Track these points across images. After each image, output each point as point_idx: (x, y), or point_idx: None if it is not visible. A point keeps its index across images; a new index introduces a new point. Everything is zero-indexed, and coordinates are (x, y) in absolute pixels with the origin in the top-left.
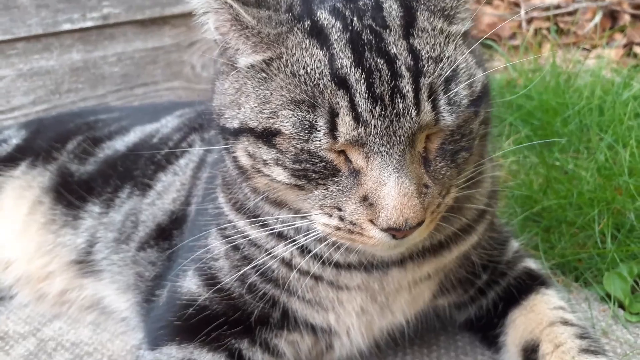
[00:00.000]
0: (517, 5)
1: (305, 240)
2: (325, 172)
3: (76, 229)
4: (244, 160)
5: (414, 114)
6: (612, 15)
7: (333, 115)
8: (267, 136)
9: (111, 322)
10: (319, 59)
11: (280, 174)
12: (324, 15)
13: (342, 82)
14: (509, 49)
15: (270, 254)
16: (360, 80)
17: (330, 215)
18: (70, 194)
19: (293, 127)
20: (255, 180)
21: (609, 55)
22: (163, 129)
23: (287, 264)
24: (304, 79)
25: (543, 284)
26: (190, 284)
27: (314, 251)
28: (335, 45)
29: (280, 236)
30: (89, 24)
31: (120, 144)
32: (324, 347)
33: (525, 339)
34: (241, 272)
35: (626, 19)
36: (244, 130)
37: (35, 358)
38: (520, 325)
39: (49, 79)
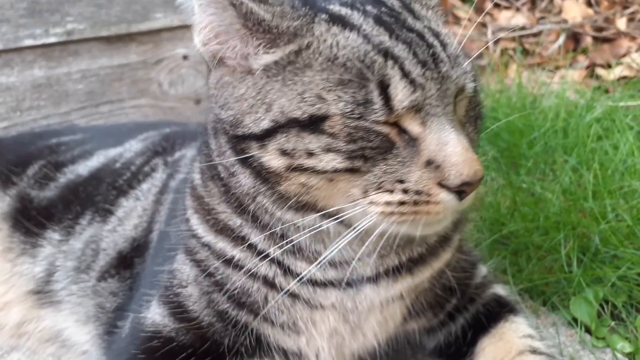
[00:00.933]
0: (485, 25)
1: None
2: (382, 147)
3: (34, 257)
4: (276, 162)
5: (454, 76)
6: (574, 37)
7: (384, 87)
8: (314, 123)
9: (71, 354)
10: (355, 39)
11: (332, 160)
12: (337, 8)
13: (386, 54)
14: (476, 69)
15: (252, 273)
16: (405, 50)
17: (392, 191)
18: (28, 221)
19: (346, 105)
20: (288, 183)
21: (572, 77)
22: (126, 153)
23: (269, 283)
24: (345, 59)
25: (512, 312)
26: (154, 314)
27: (293, 268)
28: (365, 27)
29: (261, 253)
30: (52, 39)
31: (82, 168)
32: None
33: None
34: (212, 298)
35: (588, 41)
36: (281, 126)
37: None
38: (490, 354)
39: (10, 96)
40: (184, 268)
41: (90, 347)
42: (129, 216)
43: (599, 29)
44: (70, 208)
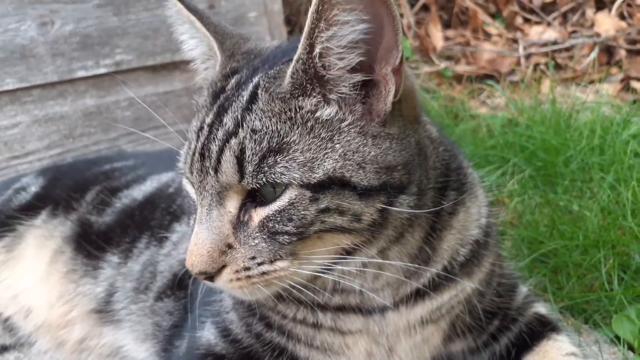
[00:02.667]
0: (515, 41)
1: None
2: None
3: (96, 278)
4: None
5: (212, 172)
6: (608, 51)
7: (188, 148)
8: None
9: None
10: (206, 108)
11: None
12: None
13: (199, 132)
14: (509, 85)
15: (270, 308)
16: (203, 136)
17: None
18: (89, 245)
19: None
20: None
21: (607, 91)
22: (178, 178)
23: (283, 315)
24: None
25: (554, 330)
26: (208, 334)
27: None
28: (214, 105)
29: None
30: (102, 70)
31: (137, 193)
32: None
33: None
34: (248, 322)
35: (622, 54)
36: None
37: None
38: None
39: (63, 124)
40: (224, 295)
41: None
42: (183, 240)
43: (633, 42)
44: (127, 232)
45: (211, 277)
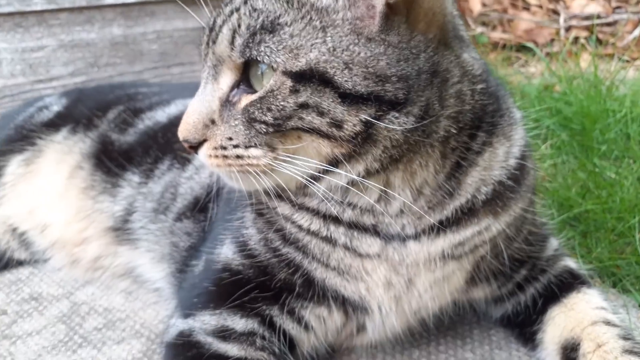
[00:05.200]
0: (556, 12)
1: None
2: None
3: (114, 196)
4: None
5: (211, 44)
6: None
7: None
8: None
9: (143, 291)
10: None
11: None
12: None
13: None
14: (547, 55)
15: (285, 217)
16: (216, 14)
17: None
18: (110, 161)
19: None
20: None
21: None
22: None
23: (298, 226)
24: None
25: (584, 284)
26: (227, 250)
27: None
28: None
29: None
30: None
31: (161, 115)
32: (354, 329)
33: (565, 337)
34: (266, 237)
35: None
36: None
37: (69, 320)
38: (560, 323)
39: (89, 52)
40: (246, 212)
41: (162, 285)
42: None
43: None
44: (149, 153)
45: (195, 148)
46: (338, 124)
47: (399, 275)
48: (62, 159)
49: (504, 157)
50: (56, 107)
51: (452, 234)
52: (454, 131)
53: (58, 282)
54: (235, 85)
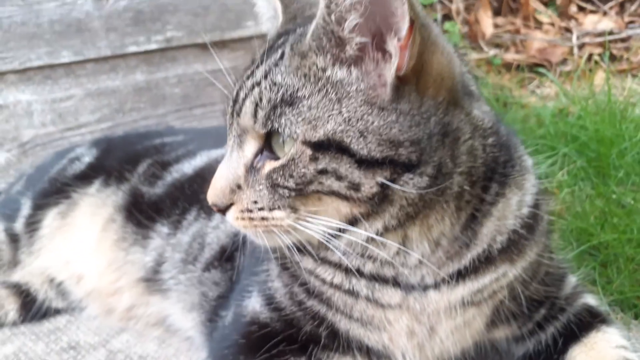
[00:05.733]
0: (568, 30)
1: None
2: None
3: (145, 247)
4: None
5: (236, 115)
6: None
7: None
8: None
9: (176, 339)
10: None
11: None
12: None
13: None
14: (560, 75)
15: (309, 271)
16: (238, 85)
17: None
18: (140, 214)
19: None
20: None
21: None
22: None
23: (321, 279)
24: None
25: (604, 322)
26: (254, 302)
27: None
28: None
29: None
30: (153, 46)
31: (187, 167)
32: None
33: None
34: (292, 290)
35: None
36: None
37: None
38: None
39: (114, 98)
40: (272, 265)
41: (193, 333)
42: None
43: None
44: (177, 204)
45: (223, 211)
46: (356, 187)
47: (421, 324)
48: (95, 211)
49: (517, 206)
50: (87, 159)
51: (471, 282)
52: (467, 186)
53: (94, 330)
54: (259, 152)
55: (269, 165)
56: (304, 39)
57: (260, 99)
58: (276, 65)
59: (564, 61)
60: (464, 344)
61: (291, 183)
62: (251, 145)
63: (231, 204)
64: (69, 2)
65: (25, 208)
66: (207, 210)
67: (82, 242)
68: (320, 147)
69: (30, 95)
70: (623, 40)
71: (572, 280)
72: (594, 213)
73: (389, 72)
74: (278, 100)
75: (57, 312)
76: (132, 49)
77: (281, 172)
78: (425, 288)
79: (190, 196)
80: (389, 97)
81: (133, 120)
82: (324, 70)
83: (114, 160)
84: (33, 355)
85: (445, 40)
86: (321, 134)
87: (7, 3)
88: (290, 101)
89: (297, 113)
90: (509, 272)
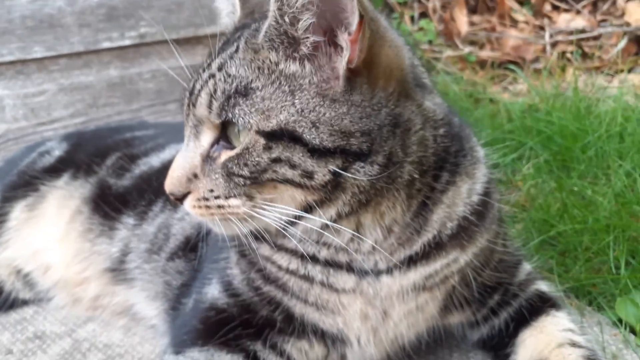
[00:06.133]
0: (542, 28)
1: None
2: None
3: (111, 238)
4: None
5: (192, 106)
6: (637, 41)
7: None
8: None
9: (141, 327)
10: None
11: None
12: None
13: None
14: (532, 73)
15: (266, 257)
16: (195, 77)
17: None
18: (107, 206)
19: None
20: None
21: (632, 81)
22: None
23: (278, 266)
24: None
25: (554, 306)
26: (213, 289)
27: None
28: (214, 53)
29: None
30: (126, 42)
31: (155, 160)
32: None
33: (535, 359)
34: (249, 276)
35: None
36: None
37: (71, 357)
38: (530, 345)
39: (88, 94)
40: (231, 252)
41: (157, 321)
42: None
43: None
44: (143, 196)
45: (180, 199)
46: (309, 175)
47: (375, 308)
48: (63, 204)
49: (467, 194)
50: (57, 152)
51: (422, 267)
52: (417, 175)
53: (61, 320)
54: (215, 142)
55: (225, 154)
56: (258, 34)
57: (215, 90)
58: (231, 57)
59: (537, 59)
60: (418, 328)
61: (246, 171)
62: (207, 136)
63: (188, 193)
64: None
65: None
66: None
67: (50, 234)
68: (274, 136)
69: (2, 90)
70: (595, 38)
71: (526, 267)
72: (555, 205)
73: (341, 64)
74: (232, 91)
75: (25, 303)
76: (106, 44)
77: (236, 161)
78: (378, 273)
79: (156, 188)
80: (341, 89)
81: (107, 115)
82: (277, 64)
83: (83, 154)
84: None
85: (395, 33)
86: (274, 123)
87: None
88: (244, 92)
89: (250, 104)
90: (459, 258)
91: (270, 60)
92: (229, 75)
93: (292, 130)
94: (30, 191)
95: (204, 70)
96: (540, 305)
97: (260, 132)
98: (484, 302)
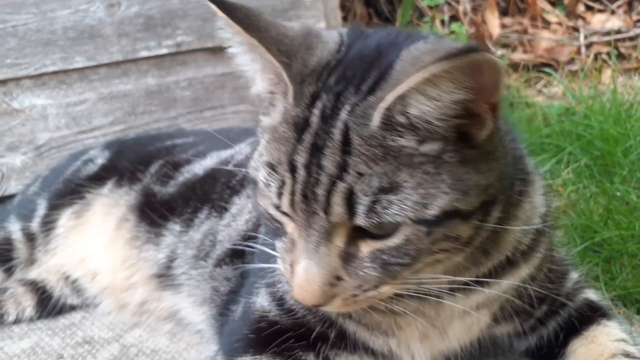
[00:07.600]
0: (576, 29)
1: None
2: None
3: (158, 245)
4: None
5: (322, 214)
6: None
7: (282, 184)
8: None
9: (187, 333)
10: (291, 142)
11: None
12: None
13: (292, 169)
14: (567, 75)
15: None
16: (302, 177)
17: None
18: (153, 213)
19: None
20: None
21: None
22: (237, 155)
23: None
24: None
25: (604, 316)
26: (262, 300)
27: None
28: (302, 142)
29: None
30: (164, 51)
31: (198, 167)
32: None
33: None
34: None
35: None
36: None
37: None
38: (581, 355)
39: (126, 102)
40: (280, 265)
41: (204, 327)
42: (241, 213)
43: None
44: (189, 203)
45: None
46: (458, 239)
47: (435, 328)
48: (109, 211)
49: (539, 204)
50: (100, 160)
51: (489, 288)
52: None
53: (108, 325)
54: (349, 239)
55: (367, 246)
56: (371, 122)
57: (352, 193)
58: (348, 153)
59: (571, 60)
60: (468, 341)
61: (406, 260)
62: (342, 235)
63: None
64: (81, 9)
65: (41, 208)
66: (218, 209)
67: (96, 241)
68: (434, 221)
69: (45, 100)
70: (631, 39)
71: (574, 276)
72: (598, 210)
73: (483, 132)
74: (375, 191)
75: (72, 308)
76: (144, 53)
77: (393, 253)
78: (439, 295)
79: (201, 195)
80: (477, 150)
81: (145, 123)
82: (415, 149)
83: (126, 162)
84: (49, 350)
85: None
86: (435, 211)
87: (22, 11)
88: (390, 188)
89: (403, 198)
90: (522, 272)
91: (405, 147)
92: (362, 175)
93: (453, 210)
94: (76, 199)
95: (309, 169)
96: (590, 315)
97: (420, 222)
98: (532, 312)
